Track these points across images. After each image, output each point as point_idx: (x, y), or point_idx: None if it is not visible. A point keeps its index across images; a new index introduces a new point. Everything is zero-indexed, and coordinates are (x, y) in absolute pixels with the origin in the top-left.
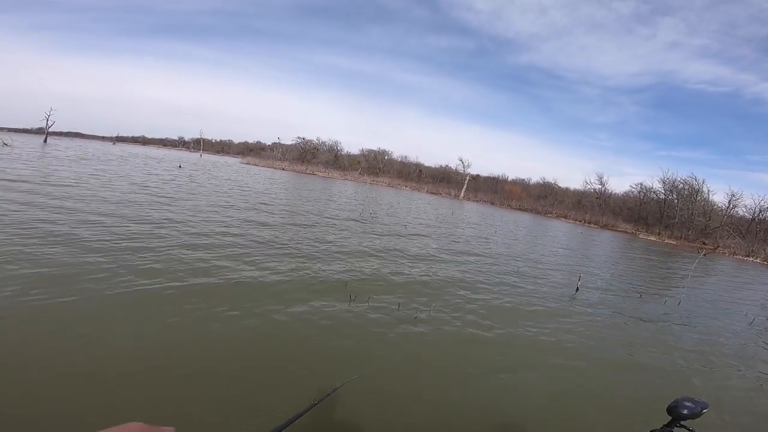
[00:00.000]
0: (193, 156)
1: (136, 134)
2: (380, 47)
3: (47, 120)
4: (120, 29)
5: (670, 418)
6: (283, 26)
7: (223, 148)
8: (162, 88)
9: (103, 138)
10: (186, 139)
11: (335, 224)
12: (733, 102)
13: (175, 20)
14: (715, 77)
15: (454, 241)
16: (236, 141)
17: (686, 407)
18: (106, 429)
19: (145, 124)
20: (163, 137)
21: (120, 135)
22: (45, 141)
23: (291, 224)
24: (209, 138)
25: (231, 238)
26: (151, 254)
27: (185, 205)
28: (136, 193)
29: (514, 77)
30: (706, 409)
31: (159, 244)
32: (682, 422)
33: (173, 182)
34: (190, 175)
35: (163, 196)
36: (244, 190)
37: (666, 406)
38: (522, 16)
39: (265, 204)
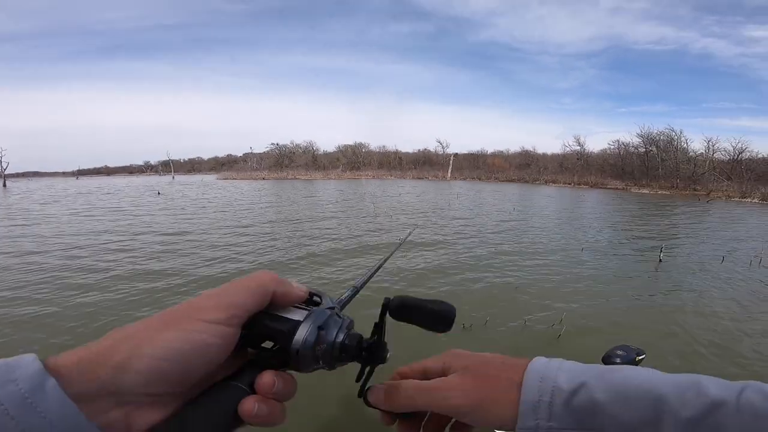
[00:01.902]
0: (165, 179)
1: (98, 164)
2: (343, 41)
3: (0, 162)
4: (62, 54)
5: None
6: (239, 32)
7: (193, 166)
8: (119, 112)
9: (63, 173)
10: (153, 163)
11: (345, 225)
12: (681, 58)
13: (122, 39)
14: (660, 37)
15: (470, 225)
16: (206, 157)
17: (618, 356)
18: (230, 282)
19: (105, 152)
20: (128, 164)
21: (81, 168)
22: (4, 185)
23: (299, 231)
24: (177, 158)
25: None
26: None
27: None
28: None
29: (478, 54)
30: (642, 356)
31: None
32: None
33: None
34: (181, 206)
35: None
36: (242, 209)
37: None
38: None
39: (262, 215)
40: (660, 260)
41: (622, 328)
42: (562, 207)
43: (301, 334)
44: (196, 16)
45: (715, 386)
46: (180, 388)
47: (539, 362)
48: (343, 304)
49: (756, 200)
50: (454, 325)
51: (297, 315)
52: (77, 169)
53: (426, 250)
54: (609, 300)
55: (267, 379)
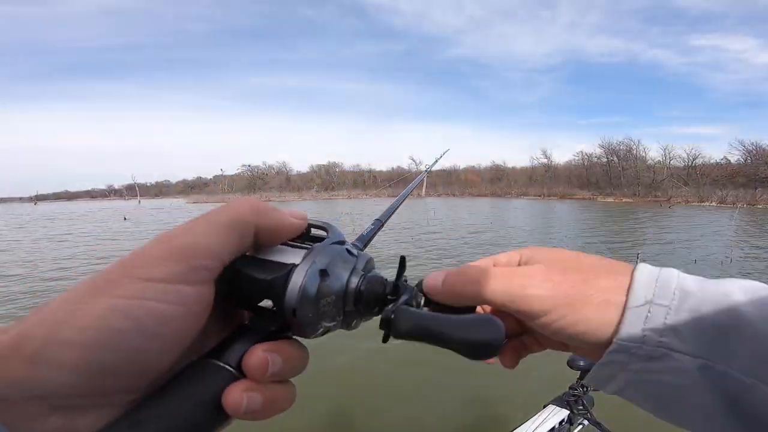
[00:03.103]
0: (131, 204)
1: (58, 189)
2: (313, 61)
3: None
4: (17, 74)
5: (578, 372)
6: (207, 53)
7: (160, 190)
8: (80, 135)
9: (20, 199)
10: (117, 187)
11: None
12: (632, 69)
13: (84, 58)
14: (612, 50)
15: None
16: (174, 180)
17: (582, 358)
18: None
19: (65, 176)
20: (89, 188)
21: (39, 193)
22: None
23: None
24: (143, 182)
25: None
26: None
27: None
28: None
29: (446, 72)
30: None
31: None
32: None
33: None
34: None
35: None
36: None
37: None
38: (443, 13)
39: None
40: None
41: None
42: (536, 219)
43: (296, 283)
44: (162, 36)
45: None
46: (137, 382)
47: (648, 265)
48: (365, 241)
49: (714, 204)
50: None
51: (292, 256)
52: (35, 193)
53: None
54: None
55: (255, 357)
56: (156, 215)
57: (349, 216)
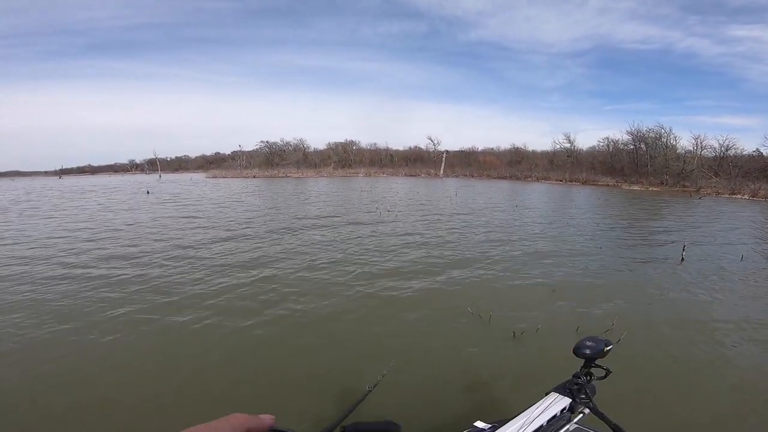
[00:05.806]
0: (152, 178)
1: (82, 164)
2: (331, 40)
3: None
4: (42, 53)
5: (583, 360)
6: (225, 32)
7: (180, 165)
8: (103, 112)
9: (46, 173)
10: (138, 162)
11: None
12: (665, 57)
13: (103, 39)
14: (646, 36)
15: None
16: (193, 156)
17: (588, 347)
18: (209, 422)
19: (89, 151)
20: (112, 163)
21: (64, 167)
22: None
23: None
24: (163, 157)
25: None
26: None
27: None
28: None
29: (467, 54)
30: (609, 346)
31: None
32: (596, 362)
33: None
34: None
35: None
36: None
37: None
38: None
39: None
40: (682, 259)
41: (676, 329)
42: (563, 205)
43: None
44: (181, 15)
45: None
46: None
47: None
48: None
49: (746, 196)
50: (503, 333)
51: None
52: (60, 167)
53: (442, 259)
54: (642, 298)
55: None
56: (187, 188)
57: (368, 194)
